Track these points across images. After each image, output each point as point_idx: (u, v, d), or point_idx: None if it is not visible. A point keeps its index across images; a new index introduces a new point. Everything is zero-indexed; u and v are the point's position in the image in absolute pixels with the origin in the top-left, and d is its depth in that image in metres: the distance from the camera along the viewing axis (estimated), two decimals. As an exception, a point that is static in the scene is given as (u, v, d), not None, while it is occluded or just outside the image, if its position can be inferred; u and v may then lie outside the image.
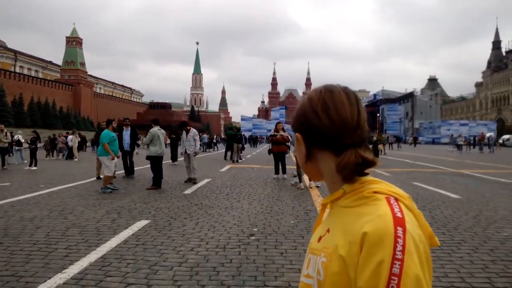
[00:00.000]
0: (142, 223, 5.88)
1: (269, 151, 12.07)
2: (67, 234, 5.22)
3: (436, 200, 8.11)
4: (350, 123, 0.82)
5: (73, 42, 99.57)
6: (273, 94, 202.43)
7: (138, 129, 13.42)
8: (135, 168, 12.04)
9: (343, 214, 0.81)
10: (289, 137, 11.37)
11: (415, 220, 0.76)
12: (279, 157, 11.71)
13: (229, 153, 20.96)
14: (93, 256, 4.31)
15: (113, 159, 8.98)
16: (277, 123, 12.07)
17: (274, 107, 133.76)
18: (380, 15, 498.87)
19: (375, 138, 16.75)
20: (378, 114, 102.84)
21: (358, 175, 0.82)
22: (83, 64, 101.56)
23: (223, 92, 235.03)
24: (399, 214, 0.73)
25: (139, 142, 11.20)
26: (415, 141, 52.01)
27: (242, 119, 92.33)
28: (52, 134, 19.36)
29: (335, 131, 0.82)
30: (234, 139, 20.22)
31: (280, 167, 11.71)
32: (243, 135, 24.15)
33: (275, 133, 11.60)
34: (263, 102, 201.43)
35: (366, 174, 0.83)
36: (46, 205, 7.28)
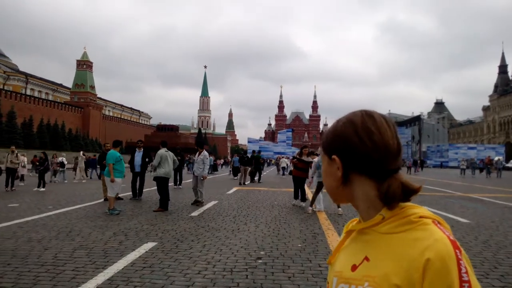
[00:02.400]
0: (149, 245, 5.88)
1: (289, 172, 11.87)
2: (75, 256, 5.23)
3: (445, 225, 8.01)
4: (392, 149, 0.82)
5: (84, 65, 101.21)
6: (280, 117, 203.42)
7: (152, 151, 13.44)
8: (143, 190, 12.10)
9: (387, 240, 0.79)
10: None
11: None
12: (297, 182, 11.16)
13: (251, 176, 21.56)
14: (101, 278, 4.31)
15: (112, 181, 9.03)
16: (303, 147, 11.55)
17: (280, 129, 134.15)
18: (381, 41, 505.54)
19: None
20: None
21: (404, 201, 0.81)
22: (92, 87, 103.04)
23: (230, 114, 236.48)
24: (452, 237, 0.75)
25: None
26: (422, 165, 50.42)
27: (248, 142, 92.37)
28: (42, 152, 17.98)
29: (379, 156, 0.81)
30: (244, 161, 20.83)
31: (300, 193, 11.19)
32: (261, 156, 23.71)
33: (296, 157, 11.31)
34: (269, 124, 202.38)
35: (409, 200, 0.82)
36: (54, 226, 7.31)
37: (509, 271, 4.80)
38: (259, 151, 24.64)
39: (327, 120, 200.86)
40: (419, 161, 49.10)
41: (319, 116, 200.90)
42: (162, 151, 10.04)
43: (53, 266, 4.73)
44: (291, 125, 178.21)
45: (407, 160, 46.40)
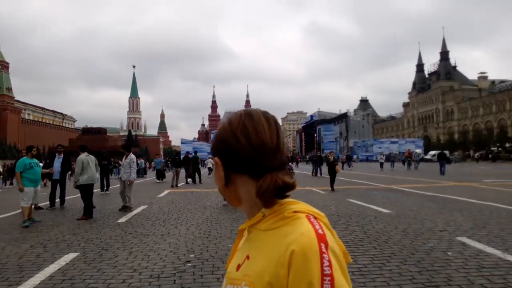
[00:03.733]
0: (70, 256, 5.53)
1: None
2: (-17, 274, 4.77)
3: (368, 216, 8.45)
4: (269, 147, 0.82)
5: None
6: (213, 117, 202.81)
7: (70, 156, 12.59)
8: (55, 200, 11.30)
9: (264, 237, 0.80)
10: None
11: (331, 237, 0.78)
12: None
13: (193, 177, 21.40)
14: (12, 296, 3.96)
15: (20, 190, 8.30)
16: None
17: (214, 129, 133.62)
18: (306, 43, 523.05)
19: (331, 158, 15.78)
20: (315, 135, 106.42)
21: (278, 198, 0.81)
22: (9, 89, 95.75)
23: (162, 115, 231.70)
24: (320, 231, 0.74)
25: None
26: (350, 160, 51.75)
27: (182, 143, 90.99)
28: None
29: (254, 154, 0.81)
30: (175, 163, 20.74)
31: None
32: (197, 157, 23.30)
33: None
34: (203, 125, 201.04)
35: (286, 197, 0.82)
36: (-39, 243, 6.62)
37: (425, 256, 5.14)
38: (195, 152, 24.36)
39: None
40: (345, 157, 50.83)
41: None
42: (82, 156, 9.51)
43: (-44, 288, 4.28)
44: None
45: (341, 156, 48.00)
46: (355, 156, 74.83)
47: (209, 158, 37.18)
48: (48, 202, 11.12)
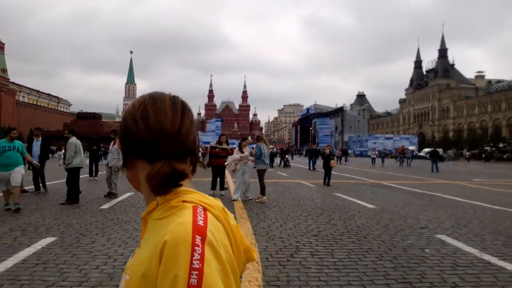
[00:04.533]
0: (47, 240, 5.49)
1: (208, 164, 11.58)
2: (-44, 256, 4.73)
3: (352, 210, 8.46)
4: (169, 132, 0.78)
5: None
6: (210, 106, 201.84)
7: (63, 141, 12.37)
8: (47, 183, 11.29)
9: (153, 226, 0.77)
10: (251, 150, 10.58)
11: (222, 230, 0.75)
12: (218, 171, 11.02)
13: None
14: (-18, 278, 3.93)
15: None
16: (221, 135, 11.70)
17: (210, 119, 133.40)
18: (305, 35, 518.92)
19: (327, 152, 15.03)
20: (311, 128, 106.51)
21: (172, 187, 0.78)
22: (4, 70, 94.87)
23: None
24: (201, 223, 0.71)
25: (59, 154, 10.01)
26: (346, 155, 50.22)
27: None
28: None
29: (151, 139, 0.78)
30: None
31: (219, 182, 11.14)
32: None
33: (216, 146, 11.23)
34: (199, 114, 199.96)
35: (180, 185, 0.79)
36: None
37: (402, 253, 5.15)
38: None
39: (257, 110, 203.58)
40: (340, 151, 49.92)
41: (249, 106, 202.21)
42: (74, 139, 9.44)
43: None
44: (221, 115, 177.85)
45: (336, 150, 47.31)
46: (350, 151, 74.79)
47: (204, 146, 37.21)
48: (33, 186, 11.04)
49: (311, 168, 25.56)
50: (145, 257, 0.71)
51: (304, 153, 54.88)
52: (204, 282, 0.64)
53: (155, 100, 0.82)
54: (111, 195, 10.01)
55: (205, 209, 0.75)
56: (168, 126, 0.78)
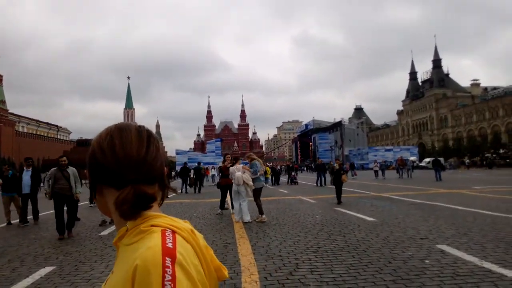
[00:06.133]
0: (46, 270, 5.47)
1: (218, 185, 11.60)
2: (-46, 290, 4.71)
3: (352, 224, 8.43)
4: (135, 160, 0.81)
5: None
6: (209, 127, 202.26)
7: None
8: (40, 214, 10.90)
9: (124, 252, 0.79)
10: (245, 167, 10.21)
11: (191, 251, 0.77)
12: (228, 190, 10.79)
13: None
14: (-21, 312, 3.91)
15: None
16: (225, 154, 11.82)
17: (210, 139, 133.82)
18: (297, 54, 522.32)
19: (337, 167, 13.87)
20: (310, 143, 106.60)
21: (141, 209, 0.80)
22: (3, 102, 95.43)
23: (157, 126, 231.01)
24: (170, 245, 0.73)
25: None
26: (353, 169, 47.94)
27: (177, 153, 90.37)
28: None
29: (118, 167, 0.81)
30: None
31: (229, 201, 10.99)
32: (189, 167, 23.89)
33: (229, 165, 10.93)
34: (198, 135, 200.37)
35: (149, 207, 0.81)
36: None
37: (401, 265, 5.12)
38: (198, 163, 25.21)
39: (256, 129, 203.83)
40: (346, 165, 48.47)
41: (247, 125, 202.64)
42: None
43: None
44: (221, 135, 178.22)
45: (344, 164, 46.18)
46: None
47: (211, 167, 37.36)
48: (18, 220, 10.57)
49: (320, 184, 24.32)
50: (118, 281, 0.73)
51: (313, 168, 53.86)
52: None
53: (121, 130, 0.86)
54: (105, 223, 9.78)
55: (173, 232, 0.77)
56: (134, 154, 0.82)
